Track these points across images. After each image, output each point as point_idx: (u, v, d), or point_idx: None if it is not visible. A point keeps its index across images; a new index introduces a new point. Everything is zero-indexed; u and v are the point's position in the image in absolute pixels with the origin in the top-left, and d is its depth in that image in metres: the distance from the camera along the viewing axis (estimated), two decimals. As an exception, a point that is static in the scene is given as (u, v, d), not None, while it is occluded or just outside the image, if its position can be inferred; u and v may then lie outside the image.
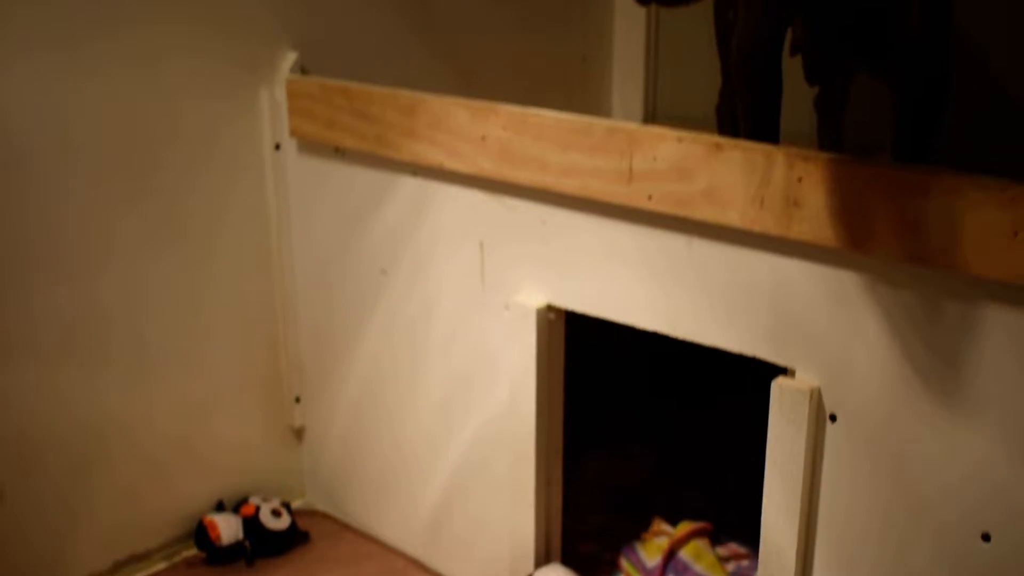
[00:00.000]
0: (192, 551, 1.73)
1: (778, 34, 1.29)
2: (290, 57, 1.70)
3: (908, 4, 1.19)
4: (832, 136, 1.81)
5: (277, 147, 1.72)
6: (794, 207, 1.12)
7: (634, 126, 1.25)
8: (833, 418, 1.18)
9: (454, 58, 2.02)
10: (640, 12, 2.30)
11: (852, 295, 1.13)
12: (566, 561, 1.57)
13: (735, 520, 1.69)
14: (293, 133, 1.68)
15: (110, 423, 1.63)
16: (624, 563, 1.68)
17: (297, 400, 1.86)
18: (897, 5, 1.20)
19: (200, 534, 1.72)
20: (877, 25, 1.26)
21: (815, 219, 1.11)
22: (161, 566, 1.72)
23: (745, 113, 1.31)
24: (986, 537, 1.09)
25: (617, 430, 2.04)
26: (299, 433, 1.89)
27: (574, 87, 2.30)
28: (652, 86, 2.35)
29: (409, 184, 1.55)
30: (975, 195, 1.01)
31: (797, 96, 1.60)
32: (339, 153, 1.63)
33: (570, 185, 1.31)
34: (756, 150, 1.14)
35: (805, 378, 1.19)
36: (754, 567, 1.46)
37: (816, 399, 1.18)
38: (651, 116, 2.36)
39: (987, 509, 1.08)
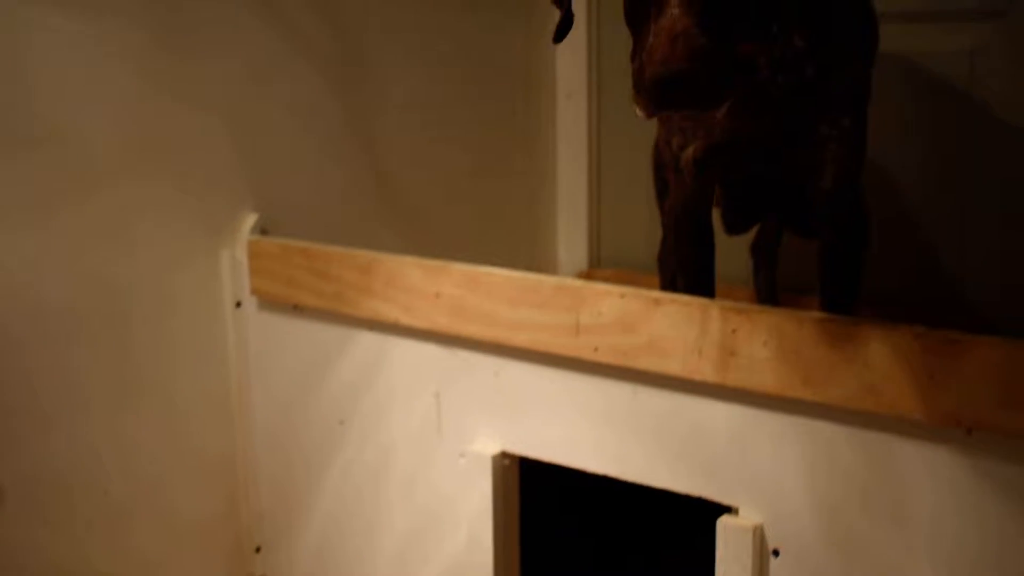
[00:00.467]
0: None
1: (705, 198, 1.40)
2: (251, 218, 1.78)
3: (822, 167, 1.31)
4: (766, 278, 1.92)
5: (238, 304, 1.79)
6: (730, 356, 1.21)
7: (580, 283, 1.34)
8: (776, 553, 1.24)
9: (407, 212, 2.11)
10: (583, 162, 2.42)
11: (788, 436, 1.21)
12: None
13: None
14: (254, 291, 1.75)
15: (70, 579, 1.65)
16: None
17: (257, 550, 1.88)
18: (810, 170, 1.32)
19: None
20: (791, 187, 1.38)
21: (750, 367, 1.20)
22: None
23: (681, 268, 1.42)
24: (925, 665, 1.15)
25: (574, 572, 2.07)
26: (260, 583, 1.91)
27: (522, 233, 2.40)
28: (596, 232, 2.46)
29: (366, 339, 1.62)
30: (893, 341, 1.10)
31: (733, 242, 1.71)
32: (298, 310, 1.70)
33: (521, 338, 1.39)
34: (693, 304, 1.23)
35: (748, 516, 1.26)
36: None
37: (759, 536, 1.24)
38: (596, 261, 2.46)
39: (924, 637, 1.15)
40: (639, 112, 1.07)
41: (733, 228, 1.58)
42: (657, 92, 1.02)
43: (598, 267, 2.46)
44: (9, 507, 1.56)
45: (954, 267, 1.99)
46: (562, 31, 1.24)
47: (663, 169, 1.56)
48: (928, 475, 1.12)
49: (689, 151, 1.34)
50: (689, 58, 1.01)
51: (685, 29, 1.02)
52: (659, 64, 1.01)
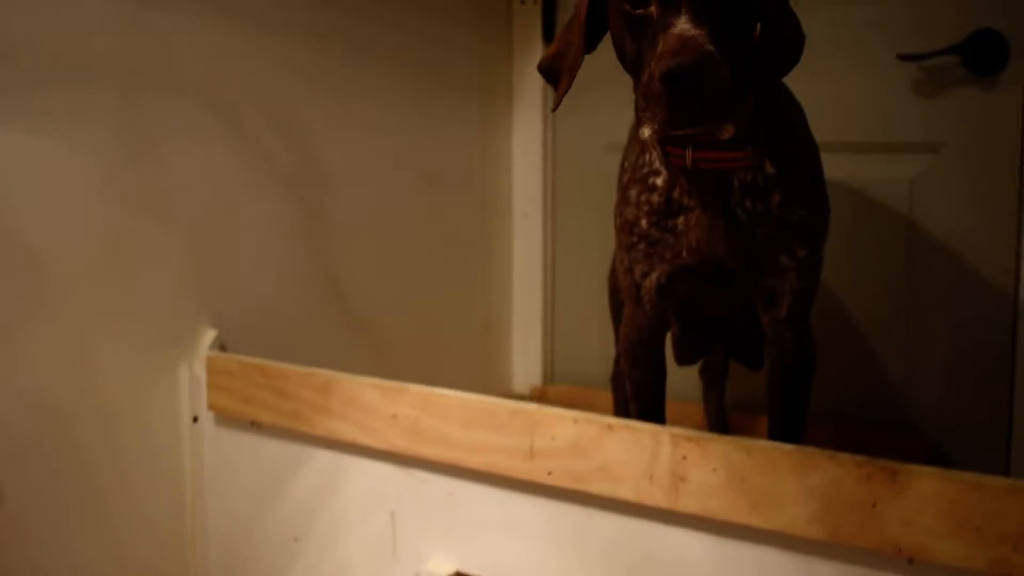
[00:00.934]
0: None
1: (662, 326, 1.44)
2: (210, 335, 1.81)
3: (779, 296, 1.36)
4: (716, 399, 1.97)
5: (195, 420, 1.80)
6: (680, 482, 1.24)
7: (534, 407, 1.37)
8: None
9: (366, 329, 2.14)
10: (538, 280, 2.47)
11: (737, 562, 1.24)
12: None
13: None
14: (211, 407, 1.76)
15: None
16: None
17: (209, 670, 1.87)
18: (768, 299, 1.37)
19: None
20: (743, 321, 1.43)
21: (700, 493, 1.23)
22: None
23: (633, 394, 1.45)
24: None
25: None
26: None
27: (477, 353, 2.43)
28: (550, 348, 2.50)
29: (323, 457, 1.63)
30: (836, 470, 1.14)
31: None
32: (256, 427, 1.71)
33: (475, 461, 1.42)
34: (644, 431, 1.27)
35: (699, 640, 1.28)
36: None
37: (710, 661, 1.26)
38: (549, 377, 2.50)
39: None
40: (647, 133, 1.12)
41: (685, 360, 1.64)
42: (667, 91, 1.07)
43: (551, 383, 2.49)
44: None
45: (899, 384, 2.04)
46: (558, 103, 1.31)
47: (620, 293, 1.61)
48: (871, 602, 1.15)
49: (652, 277, 1.39)
50: (700, 52, 1.07)
51: (695, 36, 1.09)
52: (670, 57, 1.07)
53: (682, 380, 2.05)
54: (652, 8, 1.15)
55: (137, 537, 1.75)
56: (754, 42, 1.20)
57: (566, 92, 1.30)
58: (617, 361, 1.87)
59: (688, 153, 1.25)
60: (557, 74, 1.32)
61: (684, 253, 1.35)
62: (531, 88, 2.43)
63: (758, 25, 1.20)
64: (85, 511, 1.68)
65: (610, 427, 1.29)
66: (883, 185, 2.03)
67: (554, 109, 1.34)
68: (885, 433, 2.02)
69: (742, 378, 2.03)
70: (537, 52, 2.39)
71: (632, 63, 1.21)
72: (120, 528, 1.73)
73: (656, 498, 1.26)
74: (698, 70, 1.06)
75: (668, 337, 1.57)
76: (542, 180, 2.46)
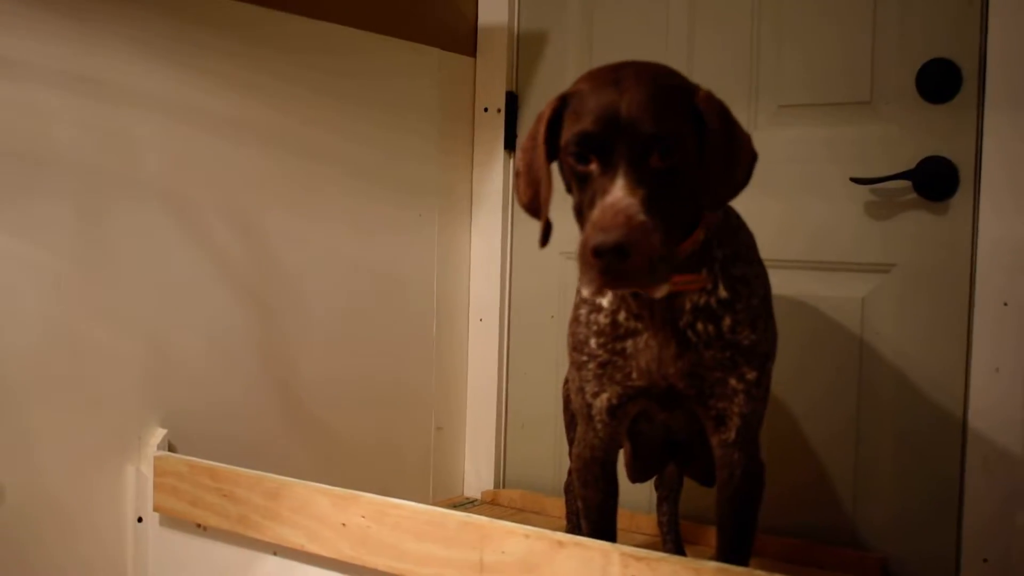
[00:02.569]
0: None
1: (613, 446, 1.45)
2: (159, 434, 1.79)
3: (728, 418, 1.37)
4: (669, 511, 1.97)
5: (140, 520, 1.77)
6: (630, 601, 1.23)
7: (485, 520, 1.37)
8: None
9: (318, 431, 2.13)
10: (492, 386, 2.48)
11: None
12: None
13: None
14: (157, 508, 1.74)
15: None
16: None
17: None
18: (716, 421, 1.38)
19: None
20: (695, 441, 1.44)
21: (648, 613, 1.22)
22: None
23: (585, 511, 1.45)
24: None
25: None
26: None
27: (429, 456, 2.42)
28: (502, 453, 2.49)
29: (270, 563, 1.61)
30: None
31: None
32: (201, 529, 1.69)
33: (426, 573, 1.40)
34: (595, 548, 1.26)
35: None
36: None
37: None
38: (501, 482, 2.48)
39: None
40: (585, 291, 1.15)
41: (638, 478, 1.64)
42: (598, 261, 1.12)
43: (503, 487, 2.48)
44: None
45: (848, 502, 2.05)
46: (546, 237, 1.33)
47: (572, 408, 1.62)
48: None
49: (603, 398, 1.40)
50: (628, 227, 1.11)
51: (628, 206, 1.13)
52: (601, 232, 1.11)
53: (635, 490, 2.06)
54: (592, 167, 1.20)
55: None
56: (698, 180, 1.23)
57: (547, 226, 1.33)
58: (570, 472, 1.87)
59: None
60: (537, 210, 1.34)
61: (634, 375, 1.36)
62: (491, 194, 2.45)
63: (703, 155, 1.24)
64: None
65: (560, 543, 1.29)
66: (836, 303, 2.06)
67: (542, 245, 1.35)
68: (837, 550, 2.03)
69: (696, 489, 2.03)
70: (499, 158, 2.42)
71: (577, 211, 1.25)
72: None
73: (604, 617, 1.26)
74: (624, 246, 1.11)
75: (621, 455, 1.58)
76: (499, 285, 2.47)
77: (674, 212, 1.20)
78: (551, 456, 2.39)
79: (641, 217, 1.13)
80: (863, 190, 2.00)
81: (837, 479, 2.07)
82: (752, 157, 1.29)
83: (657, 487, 2.02)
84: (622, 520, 1.49)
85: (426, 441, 2.42)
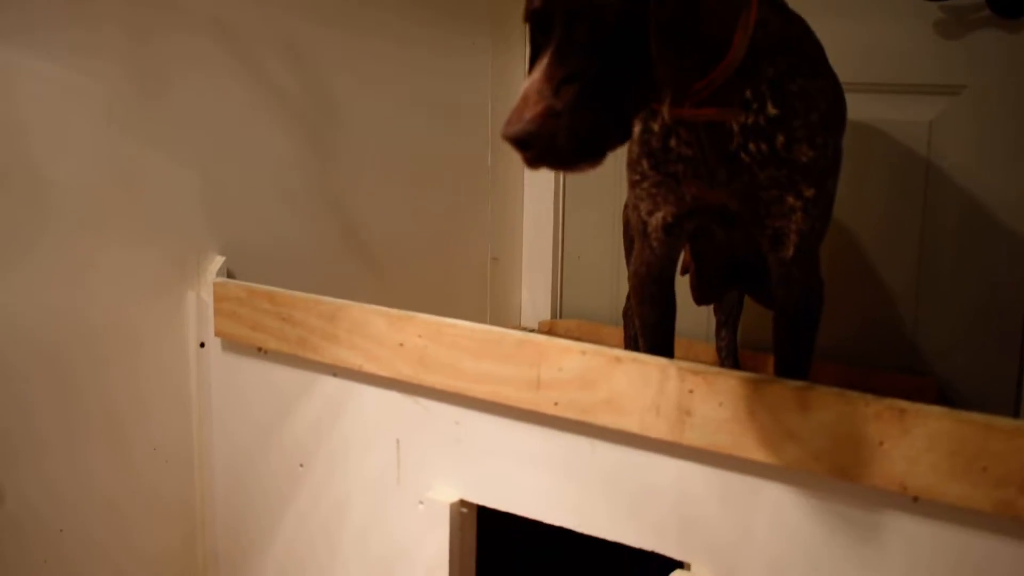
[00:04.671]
0: None
1: (670, 264, 1.43)
2: (217, 261, 1.80)
3: (785, 236, 1.34)
4: (728, 337, 1.96)
5: (202, 345, 1.80)
6: (686, 416, 1.23)
7: (542, 339, 1.37)
8: (726, 611, 1.27)
9: (374, 260, 2.14)
10: (548, 215, 2.46)
11: (739, 496, 1.24)
12: None
13: None
14: (218, 333, 1.76)
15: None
16: None
17: (212, 591, 1.89)
18: (774, 239, 1.35)
19: None
20: (758, 261, 1.42)
21: (705, 427, 1.23)
22: None
23: (642, 330, 1.44)
24: None
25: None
26: (214, 623, 1.91)
27: (485, 287, 2.43)
28: (559, 283, 2.49)
29: (329, 384, 1.63)
30: (844, 408, 1.13)
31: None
32: (262, 353, 1.71)
33: (482, 390, 1.41)
34: (652, 364, 1.26)
35: (700, 571, 1.28)
36: None
37: (710, 593, 1.27)
38: (558, 313, 2.49)
39: None
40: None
41: (703, 300, 1.62)
42: (517, 150, 1.06)
43: (560, 318, 2.48)
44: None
45: (909, 327, 2.03)
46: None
47: (631, 229, 1.60)
48: (874, 540, 1.15)
49: (658, 216, 1.37)
50: (530, 121, 1.04)
51: (538, 90, 1.06)
52: (505, 125, 1.05)
53: (693, 319, 2.05)
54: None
55: (144, 458, 1.76)
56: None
57: None
58: (628, 297, 1.87)
59: (664, 109, 1.21)
60: None
61: (687, 197, 1.33)
62: (547, 21, 2.39)
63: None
64: (100, 428, 1.69)
65: (618, 359, 1.29)
66: (902, 127, 2.00)
67: None
68: (894, 376, 2.02)
69: (755, 316, 2.02)
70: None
71: None
72: (131, 446, 1.74)
73: (661, 431, 1.26)
74: (522, 139, 1.04)
75: (686, 277, 1.57)
76: (555, 114, 2.43)
77: (627, 84, 1.10)
78: (608, 286, 2.38)
79: (544, 104, 1.05)
80: (932, 7, 1.92)
81: (898, 305, 2.04)
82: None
83: (716, 312, 2.01)
84: (679, 348, 1.48)
85: (482, 272, 2.42)
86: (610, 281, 2.38)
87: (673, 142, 1.31)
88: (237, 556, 1.84)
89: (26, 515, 1.62)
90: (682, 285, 1.61)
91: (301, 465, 1.70)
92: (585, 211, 2.44)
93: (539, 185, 2.48)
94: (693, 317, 1.96)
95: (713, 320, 2.04)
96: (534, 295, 2.51)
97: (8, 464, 1.59)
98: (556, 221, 2.47)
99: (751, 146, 1.26)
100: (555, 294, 2.49)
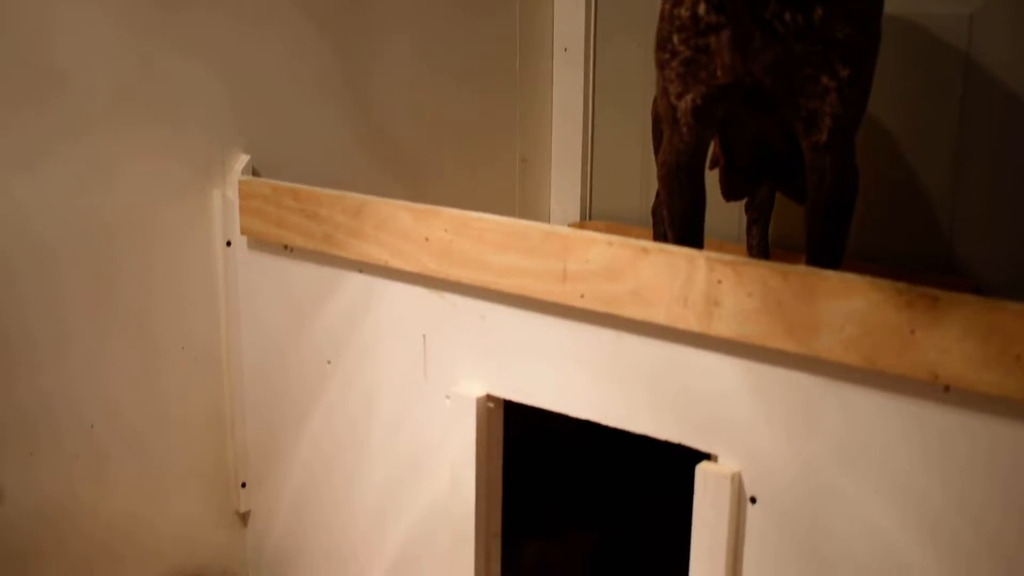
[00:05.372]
0: (138, 636, 1.76)
1: (700, 152, 1.40)
2: (242, 159, 1.79)
3: (819, 118, 1.30)
4: (759, 234, 1.93)
5: (228, 244, 1.79)
6: (715, 306, 1.22)
7: (568, 231, 1.35)
8: (753, 500, 1.26)
9: (400, 160, 2.12)
10: (578, 116, 2.42)
11: (768, 387, 1.22)
12: (504, 644, 1.62)
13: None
14: (244, 231, 1.75)
15: (58, 511, 1.66)
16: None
17: (243, 485, 1.90)
18: (808, 122, 1.31)
19: (146, 620, 1.75)
20: (789, 152, 1.38)
21: (734, 317, 1.21)
22: (109, 650, 1.75)
23: (671, 221, 1.42)
24: (895, 613, 1.17)
25: (556, 517, 2.09)
26: (244, 518, 1.93)
27: (514, 186, 2.41)
28: (588, 184, 2.46)
29: (355, 280, 1.62)
30: (875, 296, 1.11)
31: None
32: (288, 250, 1.70)
33: (508, 284, 1.40)
34: (679, 254, 1.24)
35: (727, 463, 1.28)
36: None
37: (737, 483, 1.26)
38: (587, 214, 2.47)
39: (894, 587, 1.17)
40: None
41: (732, 195, 1.59)
42: None
43: (589, 220, 2.46)
44: (3, 437, 1.57)
45: (945, 228, 2.00)
46: None
47: (661, 121, 1.57)
48: (903, 430, 1.14)
49: (688, 99, 1.34)
50: None
51: None
52: None
53: (724, 217, 2.02)
54: None
55: (173, 354, 1.77)
56: None
57: None
58: (658, 193, 1.84)
59: None
60: None
61: (719, 72, 1.29)
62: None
63: None
64: (129, 327, 1.70)
65: (645, 250, 1.27)
66: (940, 20, 1.94)
67: None
68: (929, 277, 1.99)
69: (787, 214, 1.99)
70: None
71: None
72: (160, 345, 1.75)
73: (689, 322, 1.24)
74: None
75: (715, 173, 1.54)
76: (584, 13, 2.38)
77: None
78: (637, 187, 2.35)
79: None
80: None
81: (933, 204, 2.01)
82: None
83: (747, 210, 1.98)
84: (709, 247, 1.45)
85: (511, 173, 2.39)
86: (639, 182, 2.35)
87: (703, 8, 1.27)
88: (268, 450, 1.86)
89: (59, 408, 1.63)
90: (712, 182, 1.58)
91: (328, 362, 1.71)
92: (615, 112, 2.40)
93: (568, 87, 2.44)
94: (724, 215, 1.93)
95: (744, 219, 2.01)
96: (563, 197, 2.48)
97: (38, 360, 1.60)
98: (585, 122, 2.43)
99: (787, 16, 1.22)
100: (584, 196, 2.46)
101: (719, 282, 1.21)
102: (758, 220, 1.96)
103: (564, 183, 2.48)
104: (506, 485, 1.58)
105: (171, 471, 1.81)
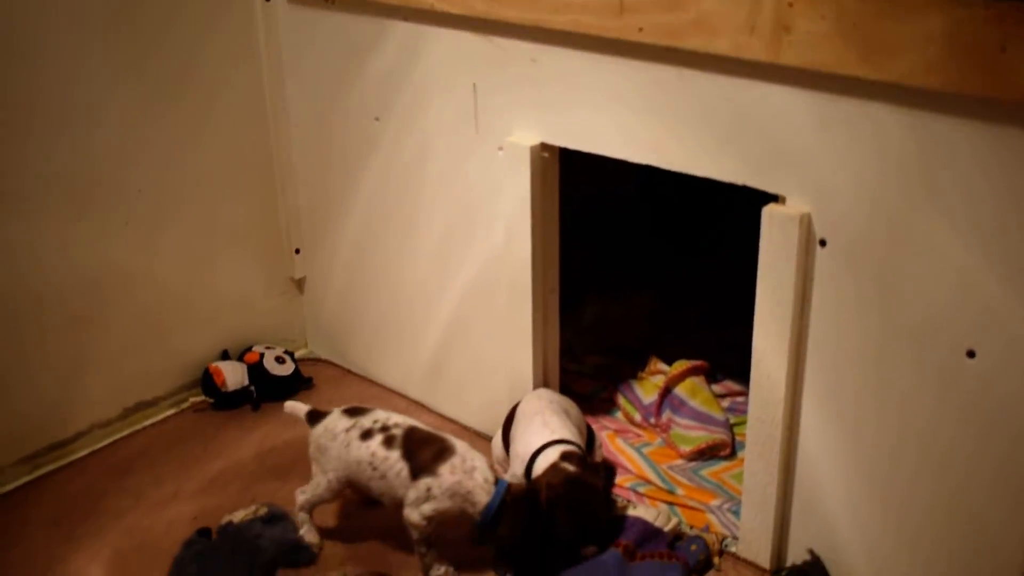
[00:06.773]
0: (199, 397, 1.77)
1: None
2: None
3: None
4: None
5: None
6: (784, 32, 1.12)
7: (624, -43, 1.24)
8: (823, 243, 1.20)
9: None
10: None
11: (841, 120, 1.14)
12: (564, 399, 1.60)
13: (733, 363, 1.72)
14: (283, -17, 1.67)
15: (112, 276, 1.65)
16: (621, 400, 1.73)
17: (297, 252, 1.88)
18: None
19: (206, 381, 1.76)
20: None
21: (805, 44, 1.11)
22: (169, 412, 1.76)
23: None
24: (971, 354, 1.12)
25: (615, 275, 2.06)
26: (300, 284, 1.91)
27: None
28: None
29: (400, 29, 1.54)
30: (960, 13, 1.00)
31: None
32: (329, 3, 1.62)
33: (561, 21, 1.31)
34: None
35: (795, 204, 1.21)
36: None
37: (806, 225, 1.20)
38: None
39: (973, 326, 1.11)
40: None
41: None
42: None
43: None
44: (50, 203, 1.54)
45: None
46: None
47: None
48: (983, 158, 1.05)
49: None
50: None
51: None
52: None
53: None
54: None
55: (218, 116, 1.73)
56: None
57: None
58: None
59: None
60: None
61: None
62: None
63: None
64: (161, 90, 1.65)
65: None
66: None
67: None
68: None
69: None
70: None
71: None
72: (202, 108, 1.71)
73: (756, 51, 1.15)
74: None
75: None
76: None
77: None
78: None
79: None
80: None
81: None
82: None
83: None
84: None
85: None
86: None
87: None
88: (319, 214, 1.82)
89: (105, 174, 1.60)
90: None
91: (377, 119, 1.64)
92: None
93: None
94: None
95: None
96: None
97: (92, 123, 1.57)
98: None
99: None
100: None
101: (790, 5, 1.11)
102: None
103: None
104: (563, 246, 1.53)
105: (223, 238, 1.79)
